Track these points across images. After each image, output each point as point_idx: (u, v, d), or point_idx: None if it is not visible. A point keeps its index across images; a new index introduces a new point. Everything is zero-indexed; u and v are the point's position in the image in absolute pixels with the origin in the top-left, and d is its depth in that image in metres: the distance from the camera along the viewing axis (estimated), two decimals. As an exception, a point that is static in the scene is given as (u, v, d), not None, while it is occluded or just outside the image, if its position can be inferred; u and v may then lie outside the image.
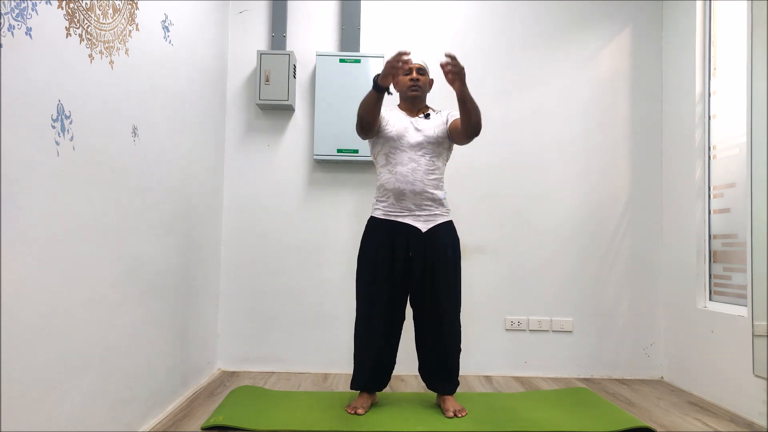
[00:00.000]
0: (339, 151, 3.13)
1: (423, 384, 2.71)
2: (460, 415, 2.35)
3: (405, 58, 2.21)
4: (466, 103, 2.28)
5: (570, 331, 3.26)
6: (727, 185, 2.83)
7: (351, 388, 2.49)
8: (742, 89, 2.64)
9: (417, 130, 2.44)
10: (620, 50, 3.36)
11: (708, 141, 2.95)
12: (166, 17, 2.30)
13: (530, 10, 3.35)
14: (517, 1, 3.35)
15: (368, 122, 2.35)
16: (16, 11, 1.36)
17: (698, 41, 3.00)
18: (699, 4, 3.00)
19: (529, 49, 3.34)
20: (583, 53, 3.35)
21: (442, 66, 2.23)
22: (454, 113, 2.49)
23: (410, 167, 2.40)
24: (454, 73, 2.22)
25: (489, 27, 3.35)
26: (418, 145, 2.42)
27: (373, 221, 2.47)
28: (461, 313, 2.48)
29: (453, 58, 2.22)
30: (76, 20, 1.61)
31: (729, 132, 2.81)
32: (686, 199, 3.05)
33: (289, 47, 3.30)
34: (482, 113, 3.25)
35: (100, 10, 1.75)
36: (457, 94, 2.27)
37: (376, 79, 2.27)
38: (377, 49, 3.28)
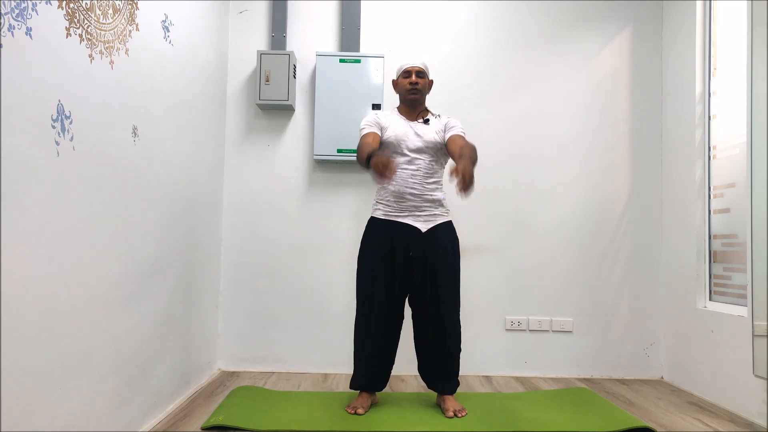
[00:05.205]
0: (339, 151, 3.13)
1: (423, 384, 2.71)
2: (460, 415, 2.35)
3: (392, 168, 2.06)
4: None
5: (570, 331, 3.26)
6: (727, 185, 2.82)
7: (351, 388, 2.50)
8: (742, 89, 2.64)
9: (416, 135, 2.45)
10: (620, 50, 3.36)
11: (708, 141, 2.95)
12: (166, 17, 2.30)
13: (530, 10, 3.35)
14: (517, 1, 3.35)
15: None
16: (16, 11, 1.37)
17: (698, 41, 3.00)
18: (699, 4, 3.00)
19: (529, 49, 3.34)
20: (583, 53, 3.35)
21: (451, 174, 2.06)
22: (452, 123, 2.49)
23: (410, 171, 2.41)
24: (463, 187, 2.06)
25: (489, 27, 3.35)
26: (418, 150, 2.43)
27: (373, 221, 2.48)
28: (461, 313, 2.48)
29: (465, 177, 2.04)
30: (76, 20, 1.61)
31: (729, 132, 2.81)
32: (686, 199, 3.05)
33: (289, 47, 3.30)
34: (482, 113, 3.29)
35: (100, 10, 1.75)
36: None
37: (370, 157, 2.12)
38: (377, 49, 3.28)
